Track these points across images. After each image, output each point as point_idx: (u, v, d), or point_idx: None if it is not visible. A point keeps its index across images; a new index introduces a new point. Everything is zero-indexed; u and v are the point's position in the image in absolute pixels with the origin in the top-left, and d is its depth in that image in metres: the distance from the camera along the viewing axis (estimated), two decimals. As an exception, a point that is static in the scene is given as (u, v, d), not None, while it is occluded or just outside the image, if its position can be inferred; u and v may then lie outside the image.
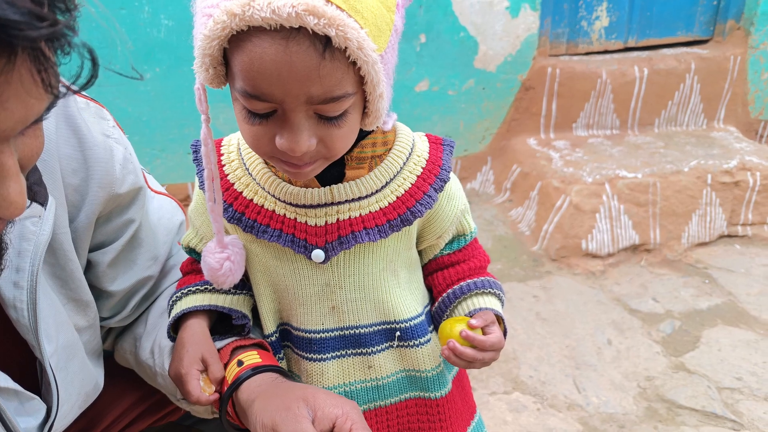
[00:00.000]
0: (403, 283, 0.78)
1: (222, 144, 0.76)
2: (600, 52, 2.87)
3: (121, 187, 0.75)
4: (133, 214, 0.80)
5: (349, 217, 0.70)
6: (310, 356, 0.78)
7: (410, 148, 0.73)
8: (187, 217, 0.83)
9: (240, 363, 0.73)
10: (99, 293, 0.80)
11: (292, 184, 0.70)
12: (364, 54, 0.51)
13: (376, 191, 0.70)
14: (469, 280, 0.81)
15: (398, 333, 0.78)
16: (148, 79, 2.40)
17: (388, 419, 0.81)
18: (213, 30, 0.51)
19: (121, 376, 0.91)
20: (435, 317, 0.84)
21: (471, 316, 0.76)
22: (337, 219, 0.70)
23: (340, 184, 0.69)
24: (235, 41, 0.52)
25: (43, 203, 0.64)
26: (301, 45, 0.50)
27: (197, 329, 0.77)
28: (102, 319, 0.83)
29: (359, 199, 0.70)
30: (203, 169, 0.71)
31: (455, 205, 0.77)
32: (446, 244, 0.82)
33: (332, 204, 0.69)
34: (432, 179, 0.72)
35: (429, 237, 0.79)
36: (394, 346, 0.79)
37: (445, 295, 0.81)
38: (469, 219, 0.82)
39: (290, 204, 0.70)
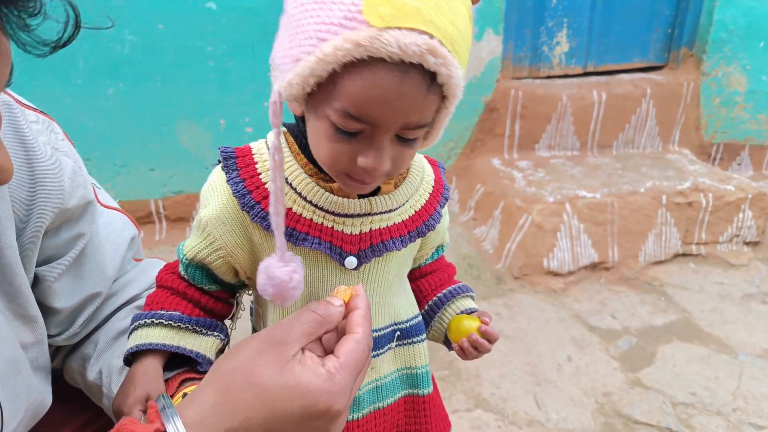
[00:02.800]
0: (404, 288, 0.86)
1: (253, 152, 0.74)
2: (561, 76, 2.96)
3: (69, 200, 0.74)
4: (83, 229, 0.78)
5: (380, 227, 0.75)
6: None
7: (423, 170, 0.81)
8: (198, 225, 0.76)
9: (185, 395, 0.71)
10: (45, 309, 0.78)
11: (334, 194, 0.72)
12: (458, 92, 0.59)
13: (401, 206, 0.77)
14: (453, 286, 0.93)
15: (398, 333, 0.84)
16: (110, 95, 2.37)
17: (384, 420, 0.84)
18: (333, 56, 0.54)
19: (71, 394, 0.88)
20: (426, 317, 0.92)
21: (469, 314, 0.88)
22: (370, 228, 0.75)
23: (377, 197, 0.74)
24: (350, 67, 0.55)
25: None
26: (415, 79, 0.55)
27: (150, 367, 0.75)
28: (49, 336, 0.81)
29: (389, 211, 0.76)
30: (236, 176, 0.71)
31: (445, 220, 0.87)
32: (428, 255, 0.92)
33: (369, 214, 0.74)
34: (439, 197, 0.82)
35: (425, 248, 0.88)
36: (394, 346, 0.84)
37: (435, 298, 0.92)
38: (446, 234, 0.93)
39: (330, 213, 0.73)
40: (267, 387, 0.50)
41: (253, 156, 0.74)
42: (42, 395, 0.76)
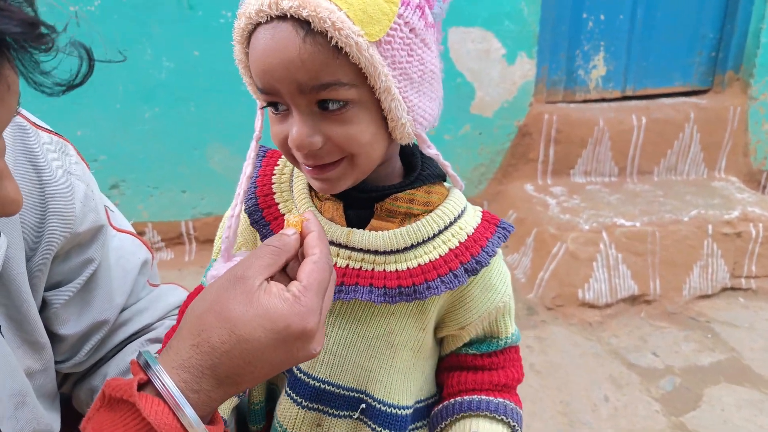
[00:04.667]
0: (399, 365, 0.69)
1: (281, 156, 0.73)
2: (597, 100, 2.87)
3: (80, 225, 0.73)
4: (93, 254, 0.77)
5: (360, 267, 0.65)
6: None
7: (453, 218, 0.66)
8: (222, 225, 0.76)
9: None
10: (50, 336, 0.77)
11: (321, 214, 0.67)
12: (343, 36, 0.52)
13: (397, 251, 0.64)
14: (483, 396, 0.70)
15: (363, 406, 0.70)
16: (146, 118, 2.44)
17: None
18: (234, 35, 0.57)
19: (79, 420, 0.86)
20: (432, 421, 0.75)
21: None
22: (347, 264, 0.65)
23: (360, 230, 0.65)
24: (250, 43, 0.57)
25: None
26: (284, 31, 0.53)
27: None
28: (55, 363, 0.79)
29: (375, 253, 0.64)
30: (252, 182, 0.71)
31: (491, 299, 0.68)
32: (474, 343, 0.73)
33: (346, 247, 0.65)
34: (466, 257, 0.64)
35: (450, 325, 0.71)
36: (354, 417, 0.71)
37: (448, 402, 0.72)
38: (508, 322, 0.72)
39: None
40: (238, 320, 0.51)
41: (278, 160, 0.73)
42: (49, 423, 0.73)
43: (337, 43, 0.52)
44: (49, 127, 0.77)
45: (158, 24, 2.32)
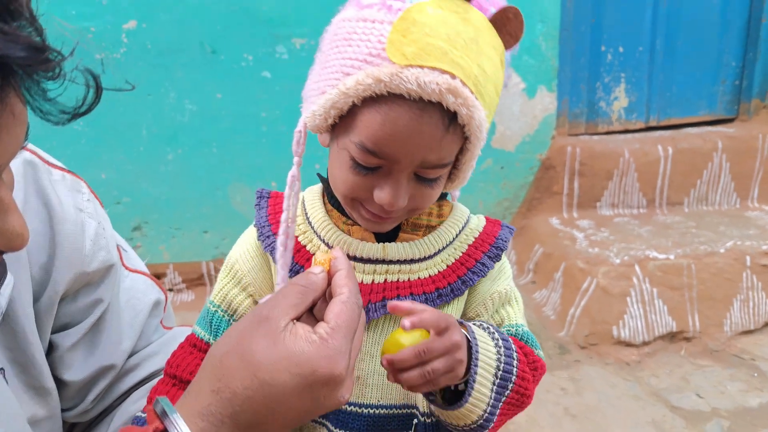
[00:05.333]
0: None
1: (284, 221, 0.74)
2: (621, 131, 2.83)
3: (90, 264, 0.71)
4: (102, 294, 0.74)
5: (398, 279, 0.68)
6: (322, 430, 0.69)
7: (464, 223, 0.74)
8: (225, 266, 0.75)
9: None
10: (56, 381, 0.73)
11: (350, 236, 0.69)
12: (480, 132, 0.59)
13: (428, 257, 0.70)
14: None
15: (415, 421, 0.69)
16: (169, 160, 2.46)
17: None
18: (354, 89, 0.56)
19: None
20: None
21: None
22: (385, 279, 0.68)
23: (394, 243, 0.69)
24: (370, 102, 0.57)
25: None
26: (433, 117, 0.56)
27: None
28: (61, 410, 0.75)
29: (411, 261, 0.69)
30: (263, 214, 0.72)
31: (491, 287, 0.73)
32: None
33: (384, 262, 0.68)
34: (486, 247, 0.72)
35: (470, 314, 0.75)
36: None
37: None
38: (510, 311, 0.74)
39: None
40: (262, 363, 0.49)
41: (282, 223, 0.72)
42: None
43: (469, 136, 0.59)
44: (61, 165, 0.76)
45: (181, 68, 2.37)
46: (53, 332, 0.72)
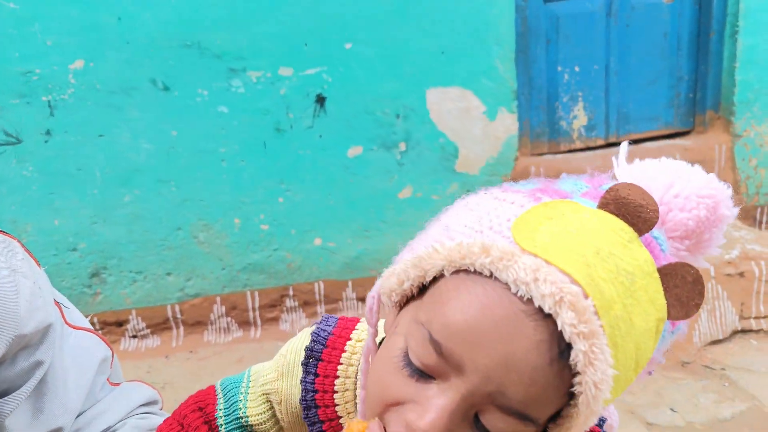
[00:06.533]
0: None
1: (346, 346, 0.63)
2: (582, 149, 2.87)
3: (26, 326, 0.67)
4: (42, 356, 0.70)
5: None
6: None
7: None
8: (270, 389, 0.69)
9: None
10: None
11: None
12: (594, 393, 0.39)
13: None
14: None
15: None
16: (126, 202, 2.38)
17: None
18: (449, 251, 0.42)
19: None
20: None
21: None
22: None
23: None
24: (463, 275, 0.42)
25: None
26: (538, 329, 0.40)
27: None
28: None
29: None
30: (310, 381, 0.62)
31: None
32: None
33: None
34: None
35: None
36: None
37: None
38: None
39: None
40: None
41: (341, 361, 0.63)
42: None
43: (577, 391, 0.40)
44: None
45: (134, 107, 2.31)
46: None
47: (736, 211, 0.49)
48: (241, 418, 0.69)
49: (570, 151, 2.86)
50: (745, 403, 2.10)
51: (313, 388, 0.62)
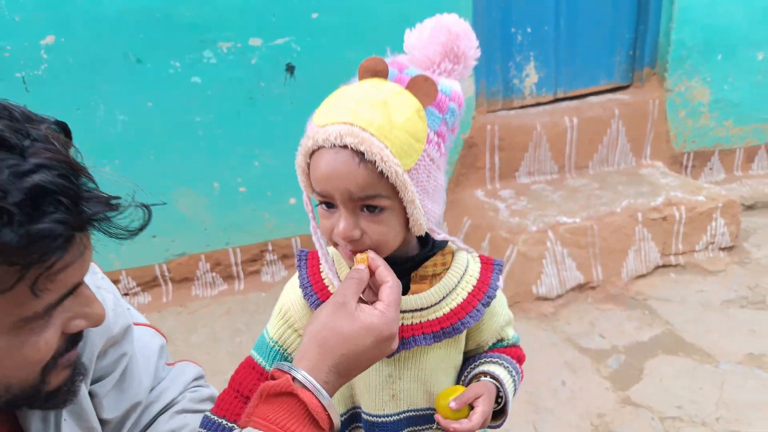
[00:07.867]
0: (453, 378, 0.96)
1: (321, 255, 0.92)
2: (533, 105, 3.10)
3: (114, 329, 0.89)
4: (125, 348, 0.93)
5: (411, 323, 0.86)
6: None
7: (464, 269, 0.90)
8: (278, 312, 0.93)
9: None
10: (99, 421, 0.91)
11: None
12: (386, 165, 0.72)
13: (435, 304, 0.87)
14: (489, 353, 0.98)
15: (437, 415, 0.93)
16: (106, 173, 2.48)
17: None
18: (300, 150, 0.76)
19: None
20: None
21: (466, 385, 0.93)
22: (402, 323, 0.86)
23: (405, 296, 0.86)
24: (313, 155, 0.76)
25: None
26: (344, 155, 0.72)
27: None
28: None
29: (420, 310, 0.86)
30: (304, 273, 0.90)
31: (496, 321, 0.95)
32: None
33: (401, 311, 0.85)
34: (480, 296, 0.89)
35: (470, 344, 0.96)
36: (434, 427, 0.95)
37: (465, 362, 0.98)
38: (509, 330, 1.00)
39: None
40: (348, 333, 0.74)
41: (320, 259, 0.92)
42: None
43: (381, 169, 0.72)
44: None
45: (108, 80, 2.36)
46: (91, 384, 0.90)
47: (475, 42, 0.81)
48: (272, 346, 0.93)
49: (522, 107, 3.09)
50: (660, 328, 2.51)
51: (308, 282, 0.89)
